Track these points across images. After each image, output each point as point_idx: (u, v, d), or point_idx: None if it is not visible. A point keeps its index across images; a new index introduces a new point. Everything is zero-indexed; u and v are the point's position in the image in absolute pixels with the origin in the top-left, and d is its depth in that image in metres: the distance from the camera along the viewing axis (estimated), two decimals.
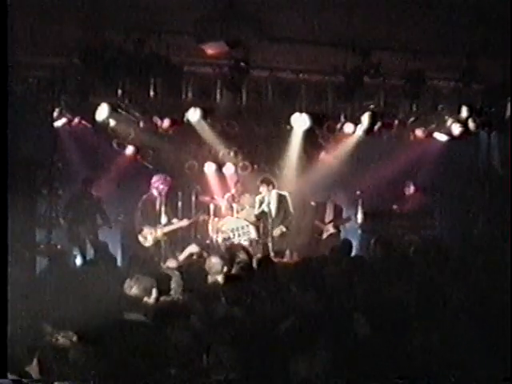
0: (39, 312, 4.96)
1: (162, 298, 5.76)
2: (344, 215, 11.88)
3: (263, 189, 10.91)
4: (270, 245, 10.66)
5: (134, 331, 4.53)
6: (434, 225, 11.70)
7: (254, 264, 7.37)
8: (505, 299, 5.21)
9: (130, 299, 5.51)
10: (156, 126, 11.20)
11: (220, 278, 6.75)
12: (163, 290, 5.86)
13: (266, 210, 10.90)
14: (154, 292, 5.67)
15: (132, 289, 5.64)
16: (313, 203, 11.81)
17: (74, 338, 4.06)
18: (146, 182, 11.17)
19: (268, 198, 10.89)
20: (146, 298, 5.62)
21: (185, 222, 11.05)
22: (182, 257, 7.21)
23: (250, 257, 7.66)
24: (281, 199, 11.00)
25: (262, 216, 10.89)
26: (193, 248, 7.15)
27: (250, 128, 11.66)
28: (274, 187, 10.95)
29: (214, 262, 6.95)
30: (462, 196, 11.78)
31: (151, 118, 11.09)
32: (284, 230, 10.82)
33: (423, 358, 4.27)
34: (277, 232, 10.72)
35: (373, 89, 10.70)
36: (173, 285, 6.05)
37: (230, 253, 7.71)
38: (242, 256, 7.46)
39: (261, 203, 10.87)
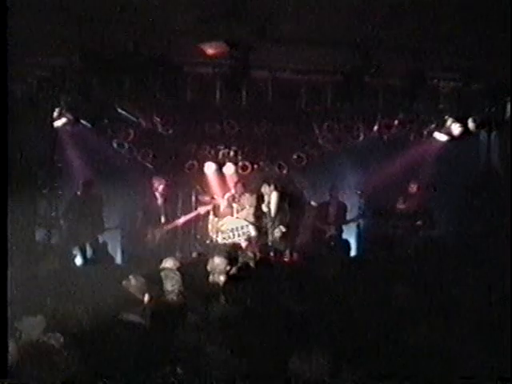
0: (39, 312, 4.95)
1: (161, 299, 5.76)
2: (345, 215, 11.87)
3: (264, 189, 10.93)
4: (270, 244, 10.67)
5: (132, 331, 4.53)
6: (434, 225, 11.69)
7: (254, 264, 7.37)
8: (505, 299, 5.21)
9: (130, 299, 5.51)
10: (156, 126, 11.22)
11: (222, 278, 6.75)
12: (161, 290, 5.86)
13: (265, 209, 10.91)
14: (150, 292, 5.67)
15: (129, 288, 5.64)
16: (313, 203, 11.81)
17: (61, 340, 4.06)
18: (146, 182, 11.19)
19: (268, 198, 10.91)
20: (142, 298, 5.61)
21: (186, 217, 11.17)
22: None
23: (250, 257, 7.65)
24: (281, 199, 11.01)
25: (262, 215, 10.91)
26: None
27: (250, 128, 11.67)
28: (274, 187, 10.98)
29: (218, 262, 6.94)
30: (462, 196, 11.77)
31: (151, 118, 11.11)
32: (284, 230, 10.80)
33: (423, 357, 4.27)
34: (277, 233, 10.71)
35: (373, 89, 10.70)
36: (172, 285, 6.04)
37: (233, 253, 7.70)
38: (243, 257, 7.45)
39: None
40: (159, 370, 4.10)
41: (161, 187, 11.02)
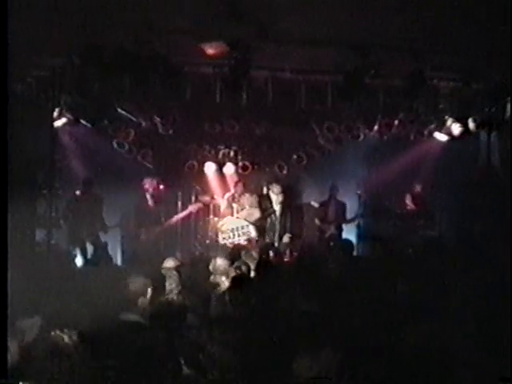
0: (39, 312, 4.96)
1: (160, 298, 5.75)
2: (345, 215, 11.87)
3: (274, 188, 11.00)
4: (276, 244, 10.72)
5: (132, 331, 4.52)
6: (434, 225, 11.70)
7: (254, 264, 7.36)
8: (505, 299, 5.21)
9: (130, 299, 5.51)
10: (156, 126, 11.22)
11: (224, 279, 6.75)
12: (160, 290, 5.86)
13: (276, 208, 10.98)
14: (149, 292, 5.67)
15: (129, 288, 5.64)
16: (314, 203, 11.81)
17: (62, 340, 4.06)
18: (139, 182, 11.20)
19: (277, 198, 10.98)
20: (142, 298, 5.61)
21: (178, 216, 11.19)
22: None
23: (254, 257, 7.65)
24: (284, 199, 11.06)
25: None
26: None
27: (250, 128, 11.68)
28: (279, 188, 11.04)
29: (220, 263, 6.94)
30: (462, 196, 11.77)
31: (151, 118, 11.11)
32: (290, 236, 10.86)
33: (423, 357, 4.26)
34: (285, 239, 10.78)
35: (373, 89, 10.70)
36: (172, 285, 6.04)
37: (235, 254, 7.71)
38: (246, 257, 7.45)
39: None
40: (161, 370, 4.10)
41: (151, 189, 11.02)
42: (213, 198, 11.83)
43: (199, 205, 11.50)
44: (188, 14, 8.59)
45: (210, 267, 6.92)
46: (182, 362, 4.08)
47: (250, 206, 11.07)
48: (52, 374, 3.78)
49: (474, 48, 9.38)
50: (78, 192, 10.94)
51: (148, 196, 11.03)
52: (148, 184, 11.05)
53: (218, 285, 6.62)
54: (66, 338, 3.97)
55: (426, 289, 5.78)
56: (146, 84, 10.09)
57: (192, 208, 11.45)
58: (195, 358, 4.11)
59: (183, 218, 11.43)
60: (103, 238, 10.80)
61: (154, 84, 10.10)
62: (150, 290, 5.69)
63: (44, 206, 9.92)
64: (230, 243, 10.51)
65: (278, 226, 10.93)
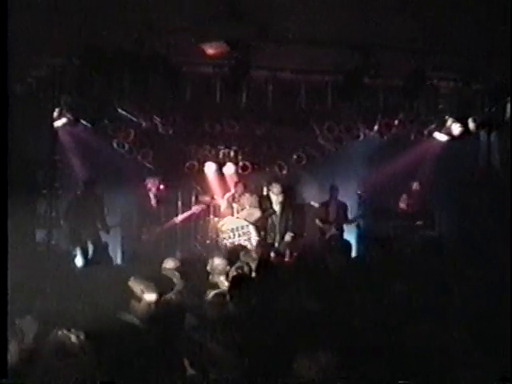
0: (39, 312, 4.95)
1: (161, 299, 5.75)
2: (346, 215, 11.86)
3: (274, 189, 11.00)
4: (276, 244, 10.72)
5: (133, 331, 4.53)
6: (434, 225, 11.70)
7: (254, 264, 7.36)
8: (505, 299, 5.21)
9: (131, 300, 5.50)
10: (156, 126, 11.22)
11: (222, 279, 6.75)
12: (163, 290, 5.85)
13: (276, 208, 10.98)
14: (155, 293, 5.67)
15: (132, 289, 5.63)
16: (314, 203, 11.81)
17: (82, 336, 4.05)
18: (141, 182, 11.19)
19: (277, 198, 10.99)
20: (145, 299, 5.61)
21: (184, 214, 11.18)
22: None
23: (253, 257, 7.64)
24: (284, 199, 11.06)
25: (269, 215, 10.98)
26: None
27: (250, 128, 11.68)
28: (279, 188, 11.05)
29: (218, 262, 6.93)
30: (462, 196, 11.77)
31: (151, 118, 11.11)
32: (292, 234, 10.87)
33: (423, 358, 4.26)
34: (287, 238, 10.79)
35: (373, 89, 10.70)
36: (172, 285, 6.04)
37: (233, 253, 7.70)
38: (246, 257, 7.45)
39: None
40: (161, 371, 4.10)
41: (154, 188, 11.02)
42: (213, 198, 11.82)
43: (202, 206, 11.51)
44: (188, 14, 8.61)
45: (208, 267, 6.91)
46: (186, 362, 4.08)
47: (250, 206, 11.07)
48: (57, 374, 3.77)
49: (474, 48, 9.39)
50: (78, 192, 10.94)
51: (151, 195, 11.04)
52: (150, 184, 11.06)
53: (216, 285, 6.61)
54: (73, 338, 3.96)
55: (426, 289, 5.77)
56: (146, 84, 10.10)
57: (195, 209, 11.47)
58: (195, 357, 4.11)
59: (184, 219, 11.43)
60: (104, 238, 10.80)
61: (154, 84, 10.11)
62: (150, 290, 5.67)
63: (44, 206, 9.94)
64: (230, 243, 10.51)
65: (278, 226, 10.94)
